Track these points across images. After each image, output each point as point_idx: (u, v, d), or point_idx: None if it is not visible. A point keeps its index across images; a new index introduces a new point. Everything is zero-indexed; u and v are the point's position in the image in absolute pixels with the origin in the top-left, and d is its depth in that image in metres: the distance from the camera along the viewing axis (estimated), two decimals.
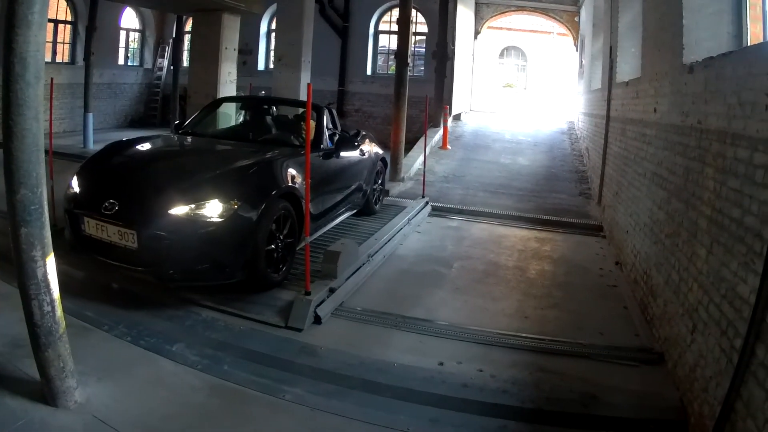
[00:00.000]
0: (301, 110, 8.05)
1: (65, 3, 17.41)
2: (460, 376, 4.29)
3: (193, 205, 4.88)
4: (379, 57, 21.37)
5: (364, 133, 8.51)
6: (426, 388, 4.13)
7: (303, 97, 14.09)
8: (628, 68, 9.14)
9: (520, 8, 21.52)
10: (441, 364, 4.45)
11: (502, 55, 32.86)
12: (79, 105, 16.04)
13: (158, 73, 21.25)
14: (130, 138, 6.60)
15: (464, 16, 19.29)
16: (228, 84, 11.53)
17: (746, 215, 3.33)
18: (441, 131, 15.92)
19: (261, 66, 21.04)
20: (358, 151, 7.90)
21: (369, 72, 20.82)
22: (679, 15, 5.09)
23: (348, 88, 20.46)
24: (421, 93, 17.64)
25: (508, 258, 7.61)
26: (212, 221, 4.90)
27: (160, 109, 20.81)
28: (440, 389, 4.13)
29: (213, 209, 4.92)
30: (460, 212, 10.05)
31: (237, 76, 11.92)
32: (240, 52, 12.29)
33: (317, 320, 5.00)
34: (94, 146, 14.06)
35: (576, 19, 20.14)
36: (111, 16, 18.49)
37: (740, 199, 3.46)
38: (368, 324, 5.17)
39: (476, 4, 21.10)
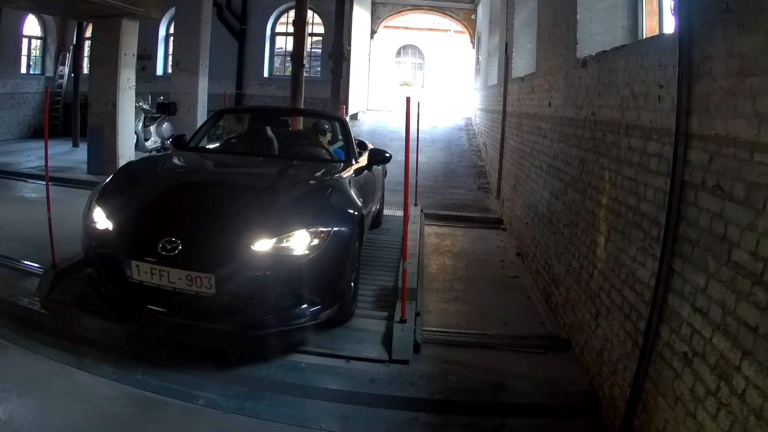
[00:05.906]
0: (321, 121, 7.28)
1: None
2: (368, 372, 4.21)
3: (276, 239, 4.18)
4: (276, 59, 21.10)
5: (367, 143, 7.80)
6: (335, 385, 4.05)
7: (201, 101, 13.81)
8: (523, 64, 9.40)
9: (416, 7, 21.82)
10: (348, 360, 4.36)
11: (399, 53, 33.06)
12: None
13: (59, 81, 19.98)
14: (143, 158, 5.72)
15: (360, 17, 19.36)
16: (127, 90, 11.30)
17: (642, 202, 3.45)
18: None
19: (160, 71, 20.19)
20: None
21: (266, 74, 20.49)
22: (573, 10, 5.25)
23: (246, 91, 20.02)
24: (318, 94, 17.67)
25: None
26: (302, 254, 4.20)
27: (62, 118, 19.51)
28: (349, 385, 4.06)
29: (301, 241, 4.23)
30: None
31: (136, 81, 11.69)
32: (139, 57, 12.09)
33: (416, 349, 4.54)
34: None
35: (473, 16, 20.65)
36: (13, 24, 17.47)
37: (635, 187, 3.58)
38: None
39: (373, 3, 21.24)
